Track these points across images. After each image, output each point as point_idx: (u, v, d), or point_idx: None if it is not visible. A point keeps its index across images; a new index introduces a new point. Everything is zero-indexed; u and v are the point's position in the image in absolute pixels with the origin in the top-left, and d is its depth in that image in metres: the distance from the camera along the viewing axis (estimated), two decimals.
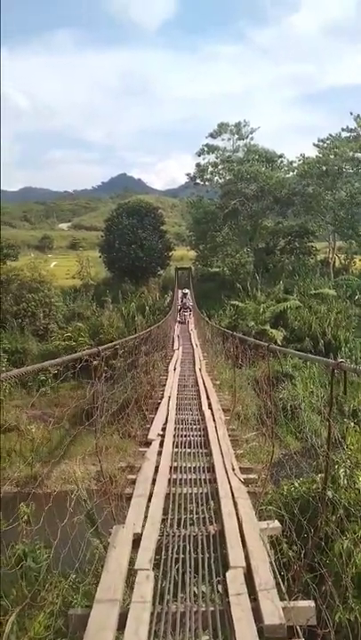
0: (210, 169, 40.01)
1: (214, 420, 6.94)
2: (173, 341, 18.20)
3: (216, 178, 40.41)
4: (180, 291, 33.09)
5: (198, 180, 41.33)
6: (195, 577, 3.18)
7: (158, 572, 3.22)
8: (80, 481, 5.96)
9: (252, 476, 5.14)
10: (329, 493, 4.20)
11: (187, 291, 29.79)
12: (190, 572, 3.21)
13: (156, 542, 3.54)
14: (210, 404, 8.00)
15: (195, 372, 11.64)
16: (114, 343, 7.06)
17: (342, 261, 40.69)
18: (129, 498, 4.35)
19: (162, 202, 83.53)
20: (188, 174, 41.64)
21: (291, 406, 14.08)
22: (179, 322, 25.62)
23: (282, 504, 4.51)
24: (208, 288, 36.68)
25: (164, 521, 3.94)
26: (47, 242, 72.74)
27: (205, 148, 39.71)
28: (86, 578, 3.84)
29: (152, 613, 2.77)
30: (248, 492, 4.43)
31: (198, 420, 7.32)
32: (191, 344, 17.99)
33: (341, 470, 4.99)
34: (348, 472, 5.00)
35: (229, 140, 39.70)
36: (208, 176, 40.46)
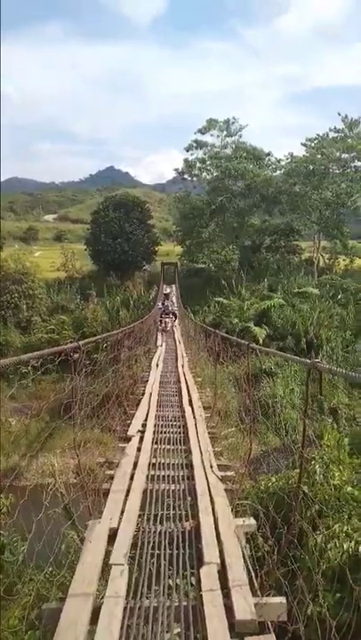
0: (198, 165, 39.95)
1: (194, 418, 6.97)
2: (157, 338, 18.13)
3: (204, 174, 40.40)
4: (164, 286, 32.67)
5: (186, 176, 41.26)
6: (169, 572, 3.21)
7: (133, 566, 3.23)
8: (58, 474, 5.94)
9: (229, 473, 5.18)
10: (305, 488, 4.26)
11: (169, 290, 24.73)
12: (165, 568, 3.24)
13: (132, 537, 3.56)
14: (191, 401, 8.03)
15: (177, 368, 11.67)
16: (95, 338, 7.03)
17: (326, 261, 41.08)
18: (106, 493, 4.35)
19: (149, 196, 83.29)
20: (176, 169, 41.55)
21: (271, 403, 14.19)
22: (161, 329, 20.61)
23: (258, 500, 4.56)
24: (193, 284, 36.75)
25: (140, 516, 3.96)
26: (32, 233, 71.93)
27: (194, 144, 39.66)
28: (61, 571, 3.84)
29: (125, 608, 2.79)
30: (225, 490, 4.47)
31: (179, 417, 7.35)
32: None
33: (317, 466, 5.07)
34: (324, 468, 5.08)
35: (218, 136, 39.71)
36: (196, 172, 40.41)
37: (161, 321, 20.89)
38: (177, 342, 17.05)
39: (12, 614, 3.39)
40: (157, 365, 11.86)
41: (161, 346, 15.98)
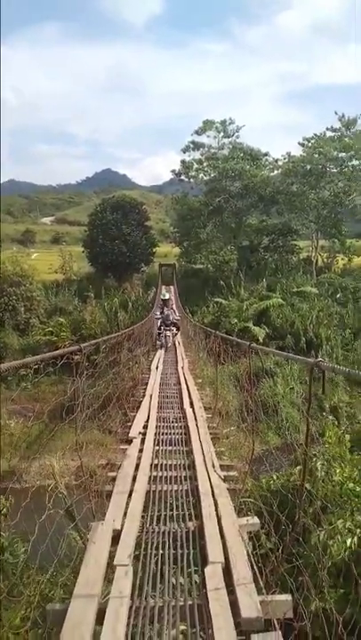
0: (195, 166, 40.03)
1: (196, 419, 6.98)
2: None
3: (201, 175, 40.49)
4: (163, 290, 30.89)
5: (183, 177, 41.33)
6: (173, 572, 3.21)
7: (137, 567, 3.24)
8: (59, 476, 5.95)
9: (232, 473, 5.19)
10: (307, 485, 4.27)
11: (168, 296, 18.39)
12: (169, 568, 3.24)
13: (136, 538, 3.56)
14: (191, 403, 8.04)
15: (177, 370, 11.66)
16: (96, 341, 7.05)
17: (325, 260, 41.14)
18: (109, 495, 4.35)
19: (146, 198, 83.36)
20: (173, 171, 41.60)
21: (272, 402, 14.21)
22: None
23: (261, 498, 4.57)
24: (192, 285, 36.76)
25: (143, 517, 3.97)
26: (30, 236, 71.98)
27: (191, 145, 39.76)
28: (65, 572, 3.86)
29: (130, 608, 2.79)
30: (228, 489, 4.47)
31: (180, 418, 7.35)
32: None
33: (319, 463, 5.09)
34: (326, 465, 5.10)
35: (215, 137, 39.83)
36: (193, 173, 40.49)
37: (160, 334, 16.19)
38: (176, 344, 16.94)
39: (15, 614, 3.40)
40: (157, 368, 11.84)
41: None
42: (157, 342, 16.17)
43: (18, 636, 3.29)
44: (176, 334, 17.15)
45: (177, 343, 16.87)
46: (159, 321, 16.46)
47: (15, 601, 3.49)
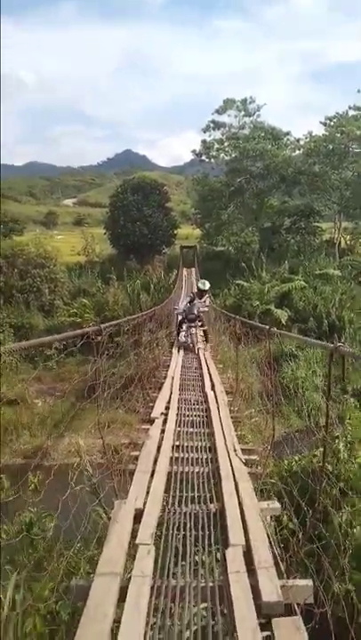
0: (216, 146, 39.45)
1: (217, 402, 6.98)
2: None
3: (222, 155, 39.89)
4: (184, 273, 30.19)
5: (204, 157, 40.81)
6: (195, 553, 3.24)
7: (159, 547, 3.28)
8: (85, 454, 6.06)
9: (253, 457, 5.19)
10: (328, 467, 4.25)
11: (208, 286, 13.27)
12: (191, 549, 3.27)
13: (158, 518, 3.60)
14: (213, 386, 8.04)
15: (198, 353, 11.60)
16: (116, 321, 7.09)
17: (348, 242, 40.38)
18: (131, 473, 4.40)
19: (167, 179, 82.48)
20: (193, 151, 41.08)
21: (293, 386, 14.14)
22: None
23: (282, 480, 4.57)
24: (213, 267, 36.56)
25: (165, 498, 4.00)
26: (52, 218, 72.26)
27: (211, 125, 39.12)
28: (89, 548, 3.96)
29: (152, 587, 2.83)
30: (249, 473, 4.48)
31: (201, 401, 7.37)
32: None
33: (341, 444, 5.06)
34: (348, 446, 5.08)
35: (235, 116, 39.10)
36: (214, 153, 39.94)
37: (178, 332, 12.46)
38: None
39: (43, 586, 3.51)
40: (179, 350, 11.72)
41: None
42: (180, 340, 12.31)
43: (47, 606, 3.41)
44: (202, 334, 12.75)
45: (201, 346, 12.29)
46: (179, 315, 12.50)
47: (43, 572, 3.61)
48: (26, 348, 3.36)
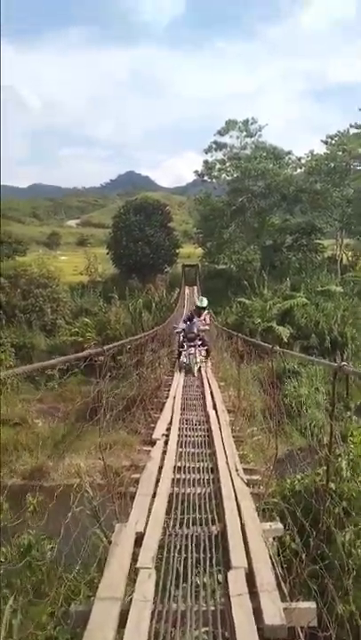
0: (218, 166, 40.03)
1: (219, 421, 6.95)
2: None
3: (224, 175, 40.47)
4: (186, 291, 30.39)
5: (206, 178, 41.39)
6: (196, 576, 3.20)
7: (160, 570, 3.24)
8: (85, 475, 6.03)
9: (255, 477, 5.15)
10: (332, 485, 4.21)
11: (206, 303, 13.02)
12: (192, 572, 3.23)
13: (159, 541, 3.56)
14: (215, 405, 8.01)
15: (200, 372, 11.54)
16: (119, 343, 7.10)
17: (350, 258, 40.59)
18: (132, 496, 4.37)
19: (169, 199, 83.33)
20: (195, 171, 41.73)
21: (295, 403, 14.07)
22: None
23: (285, 500, 4.53)
24: (215, 285, 36.73)
25: (166, 520, 3.96)
26: (55, 238, 72.92)
27: (213, 146, 39.76)
28: (89, 572, 3.91)
29: (153, 612, 2.79)
30: (251, 493, 4.44)
31: (203, 421, 7.33)
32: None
33: (344, 462, 5.02)
34: (351, 464, 5.03)
35: (237, 137, 39.83)
36: (216, 173, 40.50)
37: (180, 353, 11.71)
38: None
39: (41, 611, 3.47)
40: (180, 370, 11.61)
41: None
42: (180, 361, 11.61)
43: (45, 631, 3.36)
44: (206, 355, 11.94)
45: (206, 370, 11.37)
46: (180, 335, 11.79)
47: (43, 598, 3.56)
48: (28, 371, 3.36)
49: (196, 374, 10.97)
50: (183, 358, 11.49)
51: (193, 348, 11.36)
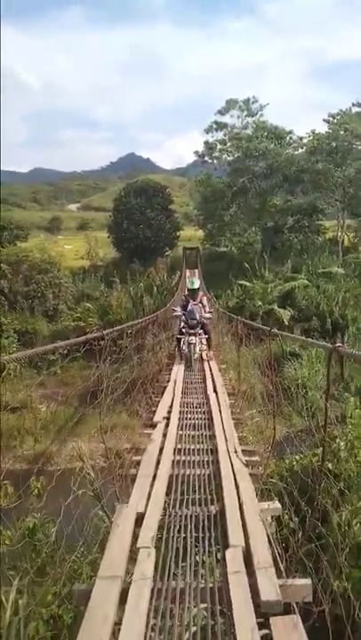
0: (218, 146, 39.58)
1: (219, 404, 7.02)
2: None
3: (225, 155, 40.02)
4: (187, 273, 30.27)
5: (207, 158, 41.00)
6: (195, 554, 3.28)
7: (160, 550, 3.32)
8: (87, 459, 6.12)
9: (254, 458, 5.22)
10: (329, 465, 4.27)
11: (197, 284, 11.77)
12: (191, 550, 3.31)
13: (159, 521, 3.64)
14: (215, 388, 8.07)
15: (201, 356, 11.53)
16: (119, 327, 7.12)
17: (351, 240, 40.29)
18: (133, 478, 4.45)
19: (170, 181, 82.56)
20: (196, 152, 41.24)
21: (295, 386, 14.15)
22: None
23: (283, 479, 4.60)
24: (216, 268, 36.60)
25: (166, 501, 4.04)
26: (56, 223, 72.51)
27: (214, 125, 39.26)
28: (92, 552, 4.01)
29: (153, 589, 2.87)
30: (250, 474, 4.51)
31: (203, 404, 7.40)
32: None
33: (342, 443, 5.09)
34: (349, 445, 5.10)
35: (238, 116, 39.30)
36: (216, 154, 40.08)
37: (179, 340, 10.96)
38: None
39: (46, 591, 3.57)
40: (181, 357, 11.58)
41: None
42: (180, 349, 10.87)
43: (48, 611, 3.46)
44: (207, 342, 11.25)
45: (207, 360, 10.74)
46: (181, 321, 11.04)
47: (46, 578, 3.66)
48: (28, 356, 3.40)
49: (194, 366, 10.22)
50: (183, 346, 10.73)
51: (193, 337, 10.49)
